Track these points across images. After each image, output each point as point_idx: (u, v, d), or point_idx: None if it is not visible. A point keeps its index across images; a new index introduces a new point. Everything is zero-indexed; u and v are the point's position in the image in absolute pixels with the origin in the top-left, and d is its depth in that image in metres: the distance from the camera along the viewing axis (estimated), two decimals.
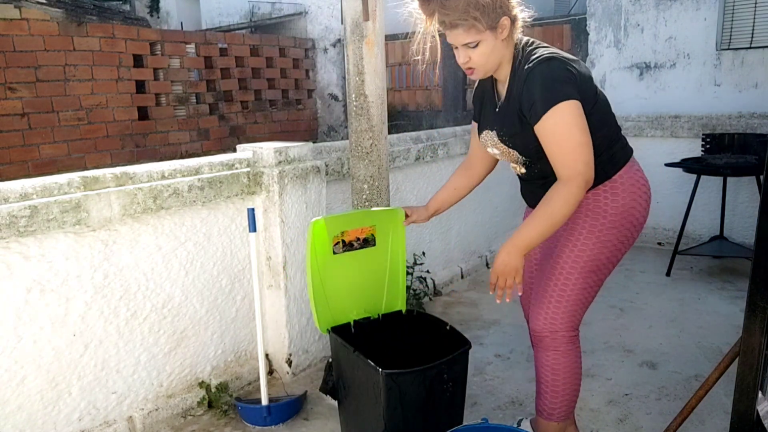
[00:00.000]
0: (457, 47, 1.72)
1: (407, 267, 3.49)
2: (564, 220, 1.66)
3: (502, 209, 4.46)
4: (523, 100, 1.68)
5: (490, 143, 1.91)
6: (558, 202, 1.63)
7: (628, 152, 1.88)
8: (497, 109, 1.84)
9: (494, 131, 1.85)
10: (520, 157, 1.83)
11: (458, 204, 2.21)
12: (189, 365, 2.53)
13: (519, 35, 1.77)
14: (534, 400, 2.06)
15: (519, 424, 2.19)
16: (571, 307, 1.86)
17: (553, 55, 1.68)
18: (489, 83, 1.91)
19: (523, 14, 1.74)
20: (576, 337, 1.93)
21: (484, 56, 1.70)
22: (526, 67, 1.68)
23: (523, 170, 1.90)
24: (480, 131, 1.96)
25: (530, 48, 1.75)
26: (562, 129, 1.61)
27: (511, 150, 1.83)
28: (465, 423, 2.03)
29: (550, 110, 1.60)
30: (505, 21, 1.67)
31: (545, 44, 1.78)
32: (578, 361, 1.94)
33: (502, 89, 1.84)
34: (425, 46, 1.74)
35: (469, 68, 1.74)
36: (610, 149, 1.81)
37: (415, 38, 1.74)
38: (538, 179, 1.87)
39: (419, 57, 1.75)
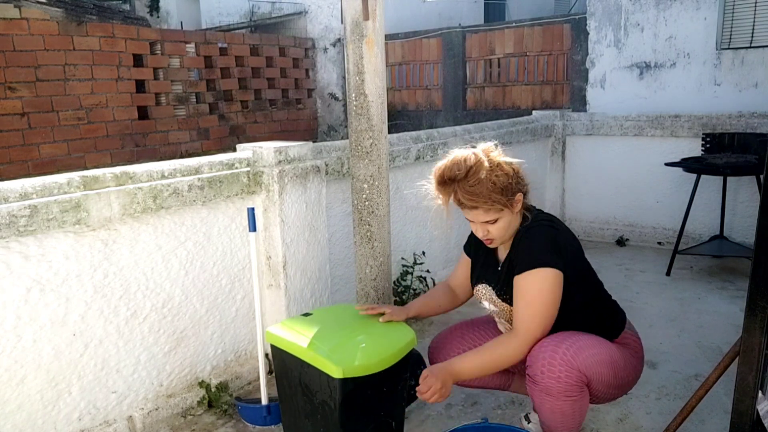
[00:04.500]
0: (473, 221, 1.82)
1: (408, 267, 3.50)
2: (502, 368, 1.82)
3: None
4: (516, 258, 1.81)
5: (486, 298, 1.98)
6: (504, 351, 1.75)
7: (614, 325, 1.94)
8: (499, 268, 1.92)
9: (493, 288, 1.94)
10: None
11: None
12: (189, 365, 2.53)
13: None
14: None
15: (527, 419, 2.19)
16: (591, 360, 1.73)
17: (549, 224, 1.82)
18: None
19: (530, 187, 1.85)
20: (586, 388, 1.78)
21: (503, 230, 1.81)
22: (525, 232, 1.82)
23: None
24: (474, 281, 2.03)
25: (532, 216, 1.85)
26: (534, 290, 1.74)
27: (510, 307, 1.88)
28: (465, 423, 2.04)
29: (533, 270, 1.73)
30: (519, 196, 1.80)
31: (546, 215, 1.88)
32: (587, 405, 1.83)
33: (503, 251, 1.92)
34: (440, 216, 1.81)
35: (488, 239, 1.85)
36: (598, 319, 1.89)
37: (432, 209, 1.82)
38: None
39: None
